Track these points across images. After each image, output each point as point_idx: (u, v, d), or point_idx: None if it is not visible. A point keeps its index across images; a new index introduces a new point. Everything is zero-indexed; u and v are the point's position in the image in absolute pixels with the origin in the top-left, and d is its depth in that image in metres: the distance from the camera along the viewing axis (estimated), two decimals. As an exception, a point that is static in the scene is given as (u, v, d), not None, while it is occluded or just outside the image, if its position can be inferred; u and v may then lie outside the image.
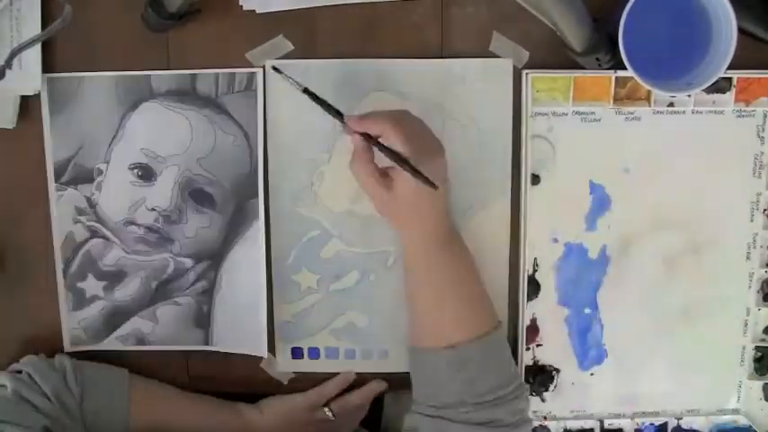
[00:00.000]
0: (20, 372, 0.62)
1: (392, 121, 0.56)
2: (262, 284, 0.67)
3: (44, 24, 0.63)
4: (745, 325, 0.70)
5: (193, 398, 0.69)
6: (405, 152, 0.55)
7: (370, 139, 0.57)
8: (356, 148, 0.59)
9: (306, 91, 0.60)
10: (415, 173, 0.55)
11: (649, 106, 0.65)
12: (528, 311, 0.68)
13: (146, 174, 0.67)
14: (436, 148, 0.59)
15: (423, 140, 0.58)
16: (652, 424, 0.71)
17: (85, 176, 0.67)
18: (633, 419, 0.71)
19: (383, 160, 0.57)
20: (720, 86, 0.65)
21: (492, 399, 0.58)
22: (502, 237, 0.67)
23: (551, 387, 0.70)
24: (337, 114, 0.59)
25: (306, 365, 0.70)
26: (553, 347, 0.69)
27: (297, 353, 0.70)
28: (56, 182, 0.67)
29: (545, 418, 0.70)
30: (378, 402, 0.73)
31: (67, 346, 0.69)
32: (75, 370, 0.63)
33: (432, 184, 0.55)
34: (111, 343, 0.69)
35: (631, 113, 0.66)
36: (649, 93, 0.65)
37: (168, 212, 0.67)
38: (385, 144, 0.56)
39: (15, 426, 0.55)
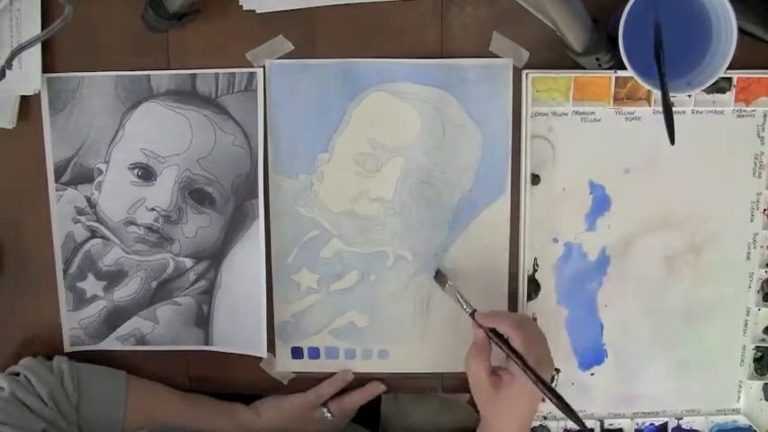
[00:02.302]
0: (17, 374, 0.62)
1: (520, 327, 0.58)
2: (262, 284, 0.67)
3: (44, 24, 0.63)
4: (745, 325, 0.70)
5: (190, 399, 0.69)
6: (527, 359, 0.56)
7: (496, 337, 0.59)
8: (477, 341, 0.61)
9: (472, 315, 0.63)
10: (539, 381, 0.56)
11: (649, 106, 0.65)
12: (528, 311, 0.68)
13: (146, 174, 0.67)
14: (549, 362, 0.61)
15: (539, 352, 0.59)
16: (652, 424, 0.71)
17: (85, 176, 0.67)
18: (633, 419, 0.71)
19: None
20: (720, 86, 0.65)
21: None
22: (502, 237, 0.67)
23: (551, 387, 0.70)
24: (469, 306, 0.63)
25: (306, 365, 0.70)
26: (553, 347, 0.69)
27: (297, 353, 0.70)
28: (56, 182, 0.67)
29: (545, 418, 0.70)
30: (376, 402, 0.73)
31: (67, 346, 0.69)
32: (72, 373, 0.63)
33: (550, 396, 0.56)
34: (110, 343, 0.69)
35: (631, 113, 0.66)
36: (649, 93, 0.65)
37: (168, 212, 0.67)
38: (513, 346, 0.58)
39: (12, 427, 0.55)
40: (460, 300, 0.64)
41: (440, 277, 0.66)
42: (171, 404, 0.68)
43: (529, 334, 0.59)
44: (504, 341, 0.59)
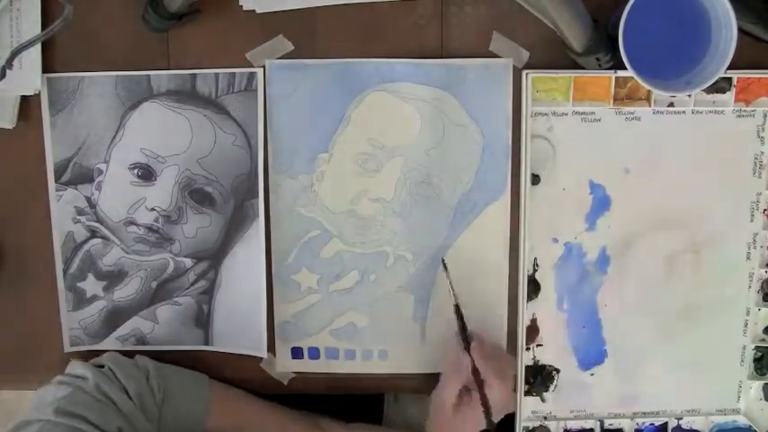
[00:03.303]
0: (102, 366, 0.61)
1: (504, 378, 0.60)
2: (262, 284, 0.67)
3: (44, 24, 0.63)
4: (745, 325, 0.70)
5: (272, 408, 0.68)
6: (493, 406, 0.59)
7: (476, 375, 0.60)
8: (459, 366, 0.61)
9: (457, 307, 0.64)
10: (490, 424, 0.59)
11: (649, 106, 0.65)
12: (528, 311, 0.68)
13: (146, 174, 0.67)
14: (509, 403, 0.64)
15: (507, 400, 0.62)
16: (652, 424, 0.71)
17: (85, 176, 0.67)
18: (633, 419, 0.71)
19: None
20: (720, 86, 0.65)
21: None
22: (502, 237, 0.67)
23: (551, 387, 0.70)
24: (463, 332, 0.63)
25: (306, 365, 0.70)
26: (553, 347, 0.69)
27: (297, 353, 0.70)
28: (56, 182, 0.67)
29: (545, 418, 0.70)
30: (378, 403, 0.73)
31: (67, 346, 0.69)
32: (158, 371, 0.62)
33: None
34: (110, 343, 0.69)
35: (631, 113, 0.66)
36: (649, 93, 0.65)
37: (168, 212, 0.67)
38: (485, 392, 0.60)
39: (90, 425, 0.54)
40: (450, 289, 0.64)
41: (443, 266, 0.66)
42: (253, 409, 0.67)
43: (508, 386, 0.61)
44: (481, 383, 0.60)
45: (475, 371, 0.61)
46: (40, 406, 0.55)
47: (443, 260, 0.66)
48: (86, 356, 0.67)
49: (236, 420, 0.65)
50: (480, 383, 0.60)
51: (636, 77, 0.58)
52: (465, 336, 0.63)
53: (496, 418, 0.60)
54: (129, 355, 0.68)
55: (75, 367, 0.60)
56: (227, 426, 0.63)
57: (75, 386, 0.58)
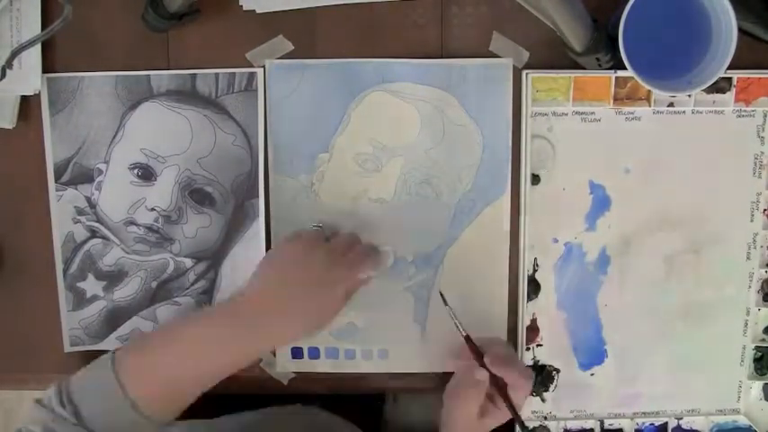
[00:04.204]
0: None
1: (528, 377, 0.61)
2: (262, 284, 0.67)
3: (44, 24, 0.63)
4: (745, 325, 0.70)
5: (182, 333, 0.57)
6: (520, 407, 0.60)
7: (497, 383, 0.60)
8: (479, 379, 0.61)
9: (467, 338, 0.64)
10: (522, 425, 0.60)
11: (649, 106, 0.65)
12: (528, 311, 0.68)
13: (146, 174, 0.67)
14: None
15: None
16: (652, 424, 0.71)
17: (85, 176, 0.67)
18: (633, 419, 0.71)
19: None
20: (720, 86, 0.65)
21: None
22: (502, 237, 0.67)
23: (551, 387, 0.70)
24: (470, 341, 0.63)
25: (306, 365, 0.70)
26: (553, 347, 0.69)
27: (297, 353, 0.70)
28: (56, 182, 0.67)
29: (545, 418, 0.70)
30: (378, 403, 0.73)
31: (67, 346, 0.69)
32: (61, 391, 0.54)
33: None
34: (111, 343, 0.69)
35: (631, 113, 0.66)
36: (649, 93, 0.65)
37: (168, 212, 0.67)
38: (510, 394, 0.60)
39: None
40: (457, 324, 0.64)
41: (441, 297, 0.65)
42: (165, 350, 0.56)
43: (529, 385, 0.61)
44: (505, 391, 0.60)
45: (494, 381, 0.60)
46: None
47: (441, 293, 0.65)
48: (86, 356, 0.68)
49: (158, 376, 0.55)
50: (504, 392, 0.60)
51: (636, 77, 0.58)
52: (477, 352, 0.62)
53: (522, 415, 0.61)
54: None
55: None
56: (151, 386, 0.54)
57: None
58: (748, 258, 0.69)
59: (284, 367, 0.70)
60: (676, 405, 0.71)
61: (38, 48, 0.63)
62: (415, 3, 0.64)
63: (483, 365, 0.61)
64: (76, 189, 0.67)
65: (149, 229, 0.67)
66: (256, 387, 0.70)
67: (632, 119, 0.66)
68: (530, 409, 0.70)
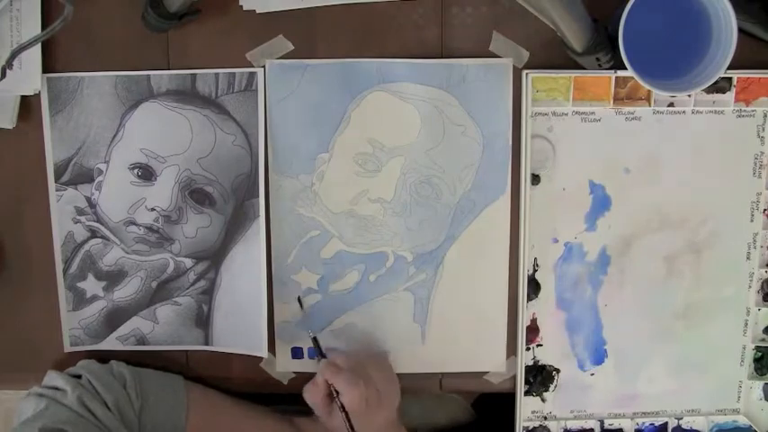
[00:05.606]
0: (79, 376, 0.60)
1: (355, 384, 0.62)
2: (262, 284, 0.67)
3: (44, 24, 0.63)
4: (745, 325, 0.70)
5: (250, 409, 0.68)
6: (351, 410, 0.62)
7: (331, 390, 0.63)
8: (317, 383, 0.64)
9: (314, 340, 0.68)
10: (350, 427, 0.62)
11: (649, 106, 0.65)
12: (528, 311, 0.68)
13: (146, 174, 0.67)
14: (389, 400, 0.66)
15: (375, 394, 0.64)
16: (652, 424, 0.71)
17: (85, 176, 0.67)
18: (633, 419, 0.71)
19: None
20: (720, 86, 0.65)
21: None
22: (502, 237, 0.67)
23: (551, 387, 0.70)
24: (319, 350, 0.67)
25: (306, 365, 0.70)
26: (553, 347, 0.69)
27: (297, 353, 0.70)
28: (56, 182, 0.67)
29: (545, 418, 0.70)
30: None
31: (67, 346, 0.69)
32: (135, 378, 0.61)
33: None
34: (110, 343, 0.69)
35: (631, 113, 0.66)
36: (649, 93, 0.65)
37: (168, 212, 0.67)
38: (341, 400, 0.62)
39: None
40: (316, 347, 0.67)
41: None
42: (231, 410, 0.67)
43: (361, 391, 0.62)
44: (337, 396, 0.63)
45: (328, 386, 0.63)
46: (24, 423, 0.55)
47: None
48: (86, 356, 0.68)
49: (214, 422, 0.65)
50: (337, 395, 0.63)
51: (636, 77, 0.58)
52: (322, 355, 0.67)
53: (358, 419, 0.62)
54: (130, 355, 0.69)
55: (53, 379, 0.60)
56: (205, 428, 0.63)
57: (54, 400, 0.57)
58: (748, 258, 0.69)
59: (284, 367, 0.70)
60: (676, 405, 0.71)
61: (38, 48, 0.63)
62: (415, 3, 0.64)
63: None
64: (76, 189, 0.67)
65: (149, 229, 0.67)
66: (256, 387, 0.70)
67: (632, 119, 0.66)
68: (530, 409, 0.70)
